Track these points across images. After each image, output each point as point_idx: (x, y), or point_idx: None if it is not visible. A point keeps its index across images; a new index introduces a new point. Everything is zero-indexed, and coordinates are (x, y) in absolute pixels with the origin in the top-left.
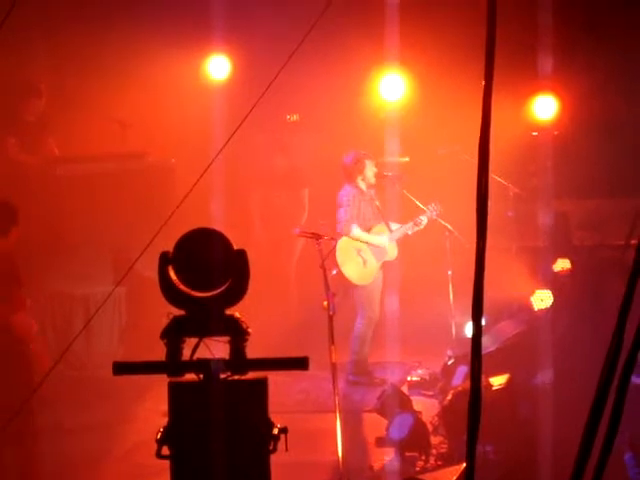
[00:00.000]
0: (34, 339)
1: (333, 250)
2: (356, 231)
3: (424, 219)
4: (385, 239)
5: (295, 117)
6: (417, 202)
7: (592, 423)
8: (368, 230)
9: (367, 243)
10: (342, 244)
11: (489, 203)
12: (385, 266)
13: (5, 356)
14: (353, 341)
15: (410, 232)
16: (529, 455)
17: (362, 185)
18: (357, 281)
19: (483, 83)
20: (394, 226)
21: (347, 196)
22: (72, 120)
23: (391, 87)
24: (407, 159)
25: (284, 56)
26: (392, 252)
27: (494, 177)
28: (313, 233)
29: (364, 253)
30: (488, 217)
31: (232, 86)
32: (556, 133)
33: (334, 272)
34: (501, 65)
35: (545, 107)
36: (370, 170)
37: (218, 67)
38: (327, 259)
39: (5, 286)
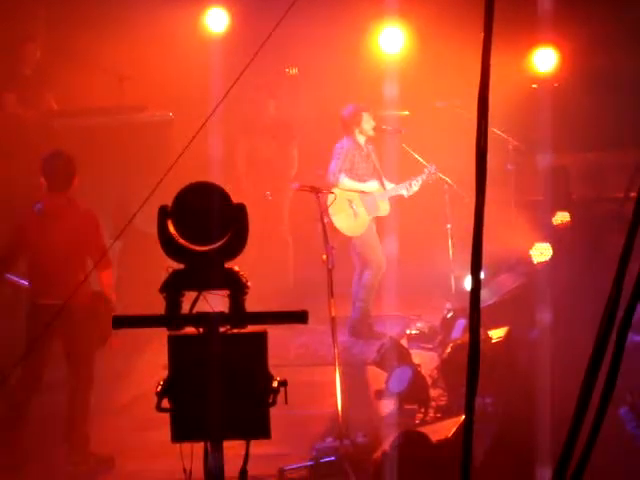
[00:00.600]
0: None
1: (322, 201)
2: (345, 180)
3: (419, 181)
4: (376, 185)
5: (294, 70)
6: (416, 156)
7: (590, 375)
8: (363, 183)
9: (357, 191)
10: (332, 197)
11: (488, 156)
12: (381, 221)
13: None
14: (360, 290)
15: (405, 194)
16: (528, 407)
17: (360, 138)
18: (348, 232)
19: (482, 35)
20: (388, 185)
21: (341, 148)
22: (70, 74)
23: (390, 40)
24: (407, 113)
25: (283, 8)
26: (384, 208)
27: (493, 130)
28: (312, 187)
29: (355, 205)
30: (487, 171)
31: (230, 39)
32: (556, 85)
33: (325, 220)
34: (500, 17)
35: (545, 59)
36: (367, 123)
37: (216, 19)
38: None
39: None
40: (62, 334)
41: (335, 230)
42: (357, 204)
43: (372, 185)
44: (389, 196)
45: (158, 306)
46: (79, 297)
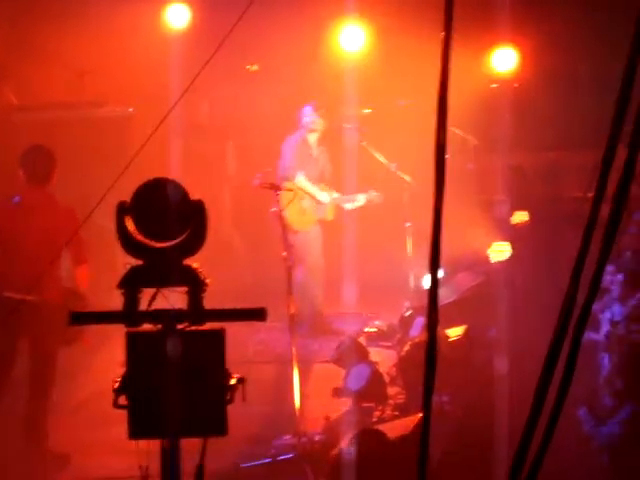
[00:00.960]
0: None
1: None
2: (301, 179)
3: (361, 199)
4: (326, 196)
5: (255, 67)
6: (377, 155)
7: (546, 374)
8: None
9: (309, 195)
10: (286, 187)
11: (448, 155)
12: (342, 219)
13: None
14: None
15: (348, 207)
16: (485, 406)
17: (310, 137)
18: (295, 225)
19: (442, 34)
20: (332, 193)
21: (291, 144)
22: (29, 68)
23: (351, 38)
24: (369, 110)
25: (244, 5)
26: (329, 213)
27: (454, 129)
28: (272, 184)
29: (305, 203)
30: (447, 169)
31: (191, 35)
32: (516, 85)
33: (273, 209)
34: (461, 16)
35: (505, 59)
36: (308, 116)
37: (177, 15)
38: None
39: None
40: (28, 330)
41: (283, 221)
42: (306, 202)
43: (321, 189)
44: (333, 204)
45: (118, 303)
46: (49, 293)
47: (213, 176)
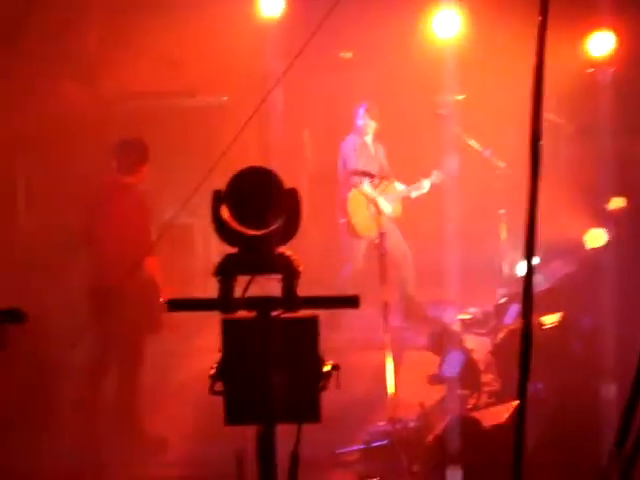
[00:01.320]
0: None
1: (342, 199)
2: (366, 187)
3: (427, 184)
4: (388, 208)
5: (348, 55)
6: (470, 141)
7: None
8: (375, 187)
9: (371, 200)
10: (353, 194)
11: (542, 141)
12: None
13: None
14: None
15: (413, 195)
16: (581, 393)
17: (367, 136)
18: (361, 232)
19: (539, 18)
20: (398, 187)
21: (352, 147)
22: (124, 59)
23: (446, 23)
24: (463, 97)
25: None
26: (397, 210)
27: (548, 115)
28: (364, 172)
29: (372, 207)
30: (541, 155)
31: (285, 23)
32: (613, 70)
33: (342, 221)
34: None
35: (601, 43)
36: (360, 119)
37: (271, 3)
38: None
39: (143, 225)
40: (113, 317)
41: (351, 228)
42: (380, 201)
43: (384, 188)
44: (400, 197)
45: (193, 293)
46: (128, 281)
47: (291, 165)
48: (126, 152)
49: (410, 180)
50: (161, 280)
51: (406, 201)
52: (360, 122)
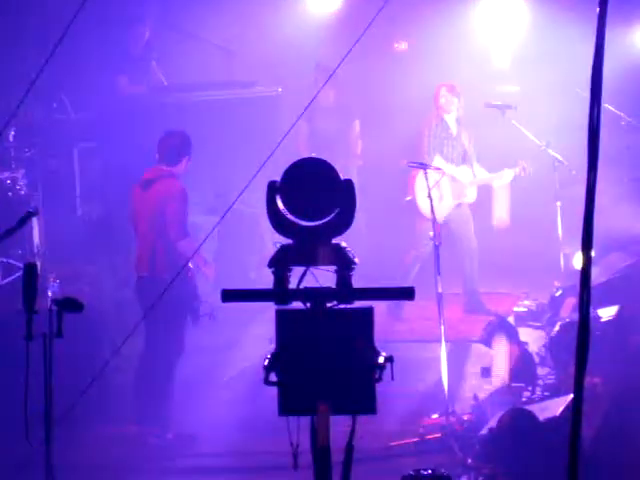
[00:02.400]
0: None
1: (410, 178)
2: (437, 160)
3: (509, 174)
4: (468, 174)
5: (403, 45)
6: (527, 132)
7: None
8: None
9: (448, 175)
10: (421, 176)
11: (601, 133)
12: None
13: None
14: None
15: (494, 185)
16: (637, 387)
17: (449, 119)
18: (427, 214)
19: (597, 9)
20: (478, 171)
21: (430, 128)
22: (180, 49)
23: (502, 13)
24: (517, 88)
25: None
26: (471, 195)
27: (606, 106)
28: (420, 163)
29: (442, 188)
30: (599, 148)
31: (339, 14)
32: None
33: (408, 198)
34: None
35: None
36: (443, 97)
37: None
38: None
39: (171, 213)
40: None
41: (417, 208)
42: (444, 188)
43: (462, 171)
44: (477, 184)
45: (254, 283)
46: (161, 269)
47: (339, 156)
48: (167, 143)
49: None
50: (209, 272)
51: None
52: (442, 100)
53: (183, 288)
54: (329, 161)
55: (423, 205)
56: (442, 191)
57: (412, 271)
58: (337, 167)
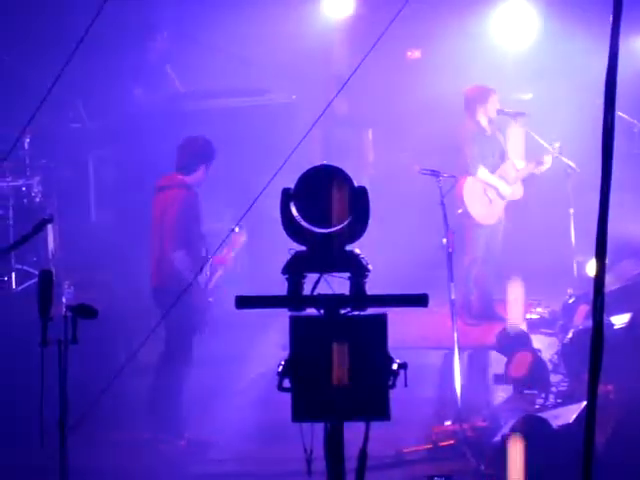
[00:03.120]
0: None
1: (457, 188)
2: (481, 172)
3: (549, 158)
4: (508, 189)
5: (417, 54)
6: (540, 140)
7: None
8: (493, 168)
9: (491, 186)
10: (468, 183)
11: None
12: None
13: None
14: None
15: (538, 172)
16: None
17: (482, 120)
18: (483, 220)
19: (610, 18)
20: (519, 164)
21: (469, 132)
22: (194, 57)
23: (516, 21)
24: (530, 95)
25: None
26: (517, 191)
27: (619, 113)
28: (433, 170)
29: (490, 192)
30: (613, 154)
31: (353, 22)
32: None
33: (460, 211)
34: None
35: None
36: (492, 104)
37: (340, 4)
38: (448, 196)
39: (169, 223)
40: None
41: (469, 218)
42: (491, 191)
43: (505, 169)
44: (522, 177)
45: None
46: (166, 280)
47: (351, 164)
48: (183, 150)
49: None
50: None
51: None
52: (492, 107)
53: (188, 301)
54: (344, 169)
55: (474, 211)
56: (490, 195)
57: (470, 278)
58: (349, 174)
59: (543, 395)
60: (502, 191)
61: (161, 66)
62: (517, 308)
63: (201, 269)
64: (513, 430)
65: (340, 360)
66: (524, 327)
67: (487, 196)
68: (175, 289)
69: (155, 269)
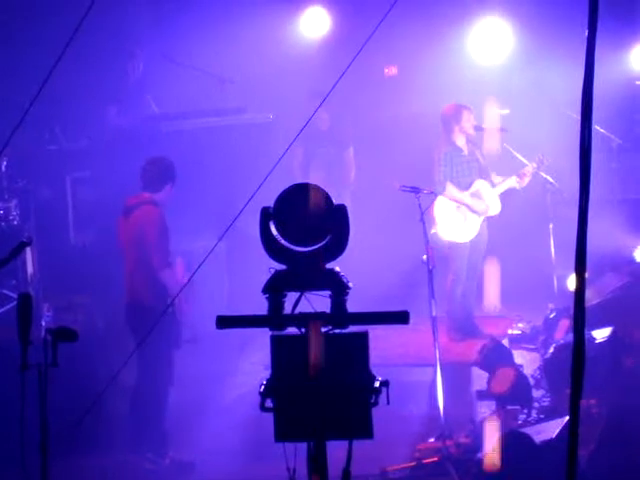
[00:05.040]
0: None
1: (429, 208)
2: (449, 190)
3: (528, 169)
4: (481, 206)
5: (393, 70)
6: (518, 155)
7: None
8: (468, 186)
9: (462, 203)
10: (439, 202)
11: (592, 154)
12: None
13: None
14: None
15: (518, 187)
16: (633, 409)
17: (459, 139)
18: (457, 238)
19: (586, 33)
20: (496, 180)
21: (443, 154)
22: (171, 77)
23: (492, 37)
24: (507, 111)
25: (383, 8)
26: (494, 208)
27: (597, 128)
28: (412, 187)
29: (462, 209)
30: (591, 168)
31: (329, 40)
32: None
33: (433, 231)
34: (603, 13)
35: None
36: (467, 121)
37: (316, 21)
38: (426, 213)
39: (152, 241)
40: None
41: (443, 236)
42: (463, 208)
43: (480, 185)
44: (499, 193)
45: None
46: (142, 296)
47: (333, 181)
48: (149, 170)
49: None
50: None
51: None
52: (467, 124)
53: (172, 316)
54: (323, 186)
55: (447, 230)
56: (463, 212)
57: (455, 296)
58: (331, 192)
59: (526, 411)
60: (475, 208)
61: (139, 88)
62: (499, 324)
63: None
64: (496, 446)
65: (316, 355)
66: (506, 343)
67: (461, 213)
68: (161, 305)
69: (130, 286)
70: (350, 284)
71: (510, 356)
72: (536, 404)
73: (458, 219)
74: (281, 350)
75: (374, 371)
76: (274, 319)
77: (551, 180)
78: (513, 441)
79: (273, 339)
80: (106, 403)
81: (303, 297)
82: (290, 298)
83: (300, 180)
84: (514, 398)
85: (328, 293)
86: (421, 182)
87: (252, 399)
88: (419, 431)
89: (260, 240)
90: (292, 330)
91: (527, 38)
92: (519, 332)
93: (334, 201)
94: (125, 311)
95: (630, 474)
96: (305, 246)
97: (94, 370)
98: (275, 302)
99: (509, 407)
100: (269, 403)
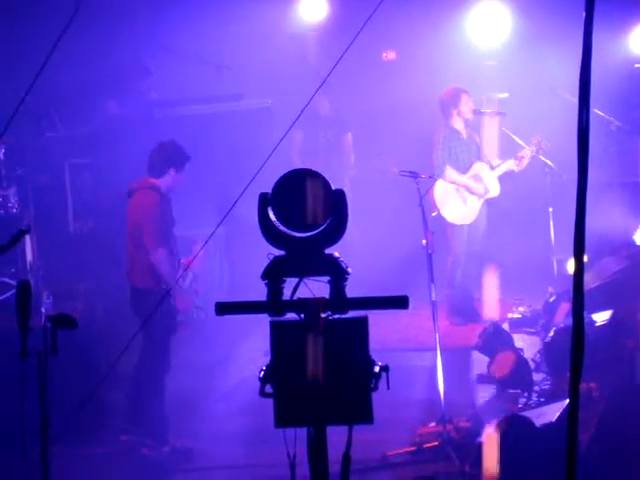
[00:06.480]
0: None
1: (430, 192)
2: (449, 172)
3: (527, 152)
4: (480, 187)
5: (391, 55)
6: (517, 139)
7: None
8: (467, 169)
9: (462, 185)
10: (439, 186)
11: (590, 137)
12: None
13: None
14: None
15: (517, 169)
16: (633, 391)
17: (457, 122)
18: (458, 221)
19: (584, 14)
20: (495, 162)
21: (442, 137)
22: (169, 64)
23: (490, 20)
24: (506, 95)
25: None
26: (494, 190)
27: (595, 111)
28: (411, 172)
29: (463, 192)
30: (589, 151)
31: (327, 25)
32: None
33: (434, 214)
34: None
35: None
36: (466, 105)
37: (314, 5)
38: (425, 197)
39: (145, 224)
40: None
41: (444, 219)
42: (464, 191)
43: (480, 168)
44: (498, 175)
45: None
46: (139, 279)
47: (332, 165)
48: (153, 154)
49: None
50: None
51: None
52: (465, 108)
53: (169, 301)
54: (322, 171)
55: (447, 213)
56: (463, 194)
57: (455, 277)
58: (330, 177)
59: (526, 394)
60: (474, 190)
61: (140, 83)
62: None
63: (185, 270)
64: (497, 430)
65: (315, 357)
66: (506, 327)
67: (460, 196)
68: (158, 289)
69: (129, 269)
70: (349, 269)
71: (510, 340)
72: (536, 388)
73: (458, 202)
74: (280, 336)
75: (374, 356)
76: (273, 305)
77: (550, 163)
78: (513, 425)
79: (272, 325)
80: (106, 389)
81: (302, 283)
82: (289, 284)
83: (299, 165)
84: (514, 382)
85: (327, 278)
86: (420, 166)
87: (252, 385)
88: (419, 416)
89: (259, 226)
90: (291, 316)
91: (525, 21)
92: (519, 316)
93: (333, 186)
94: (129, 294)
95: (630, 457)
96: (304, 232)
97: (94, 357)
98: (274, 288)
99: (509, 391)
100: (269, 389)
